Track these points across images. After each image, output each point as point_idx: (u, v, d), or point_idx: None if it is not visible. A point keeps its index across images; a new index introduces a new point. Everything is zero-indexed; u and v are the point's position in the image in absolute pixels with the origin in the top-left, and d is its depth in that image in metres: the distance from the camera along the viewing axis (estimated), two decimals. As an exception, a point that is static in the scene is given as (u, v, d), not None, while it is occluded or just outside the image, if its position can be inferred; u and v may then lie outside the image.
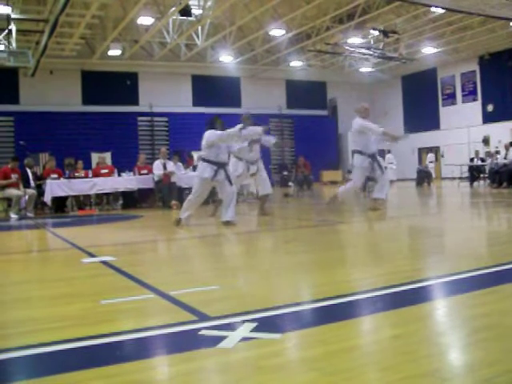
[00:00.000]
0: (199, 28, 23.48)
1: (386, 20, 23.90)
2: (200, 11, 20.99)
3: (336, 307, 3.07)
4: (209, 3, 20.58)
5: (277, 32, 24.32)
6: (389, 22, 23.99)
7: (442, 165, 29.88)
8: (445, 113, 31.00)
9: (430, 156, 26.32)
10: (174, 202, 13.62)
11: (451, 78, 30.90)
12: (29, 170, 14.33)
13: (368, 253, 5.49)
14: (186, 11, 19.53)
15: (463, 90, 30.31)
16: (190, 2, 19.58)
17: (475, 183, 20.42)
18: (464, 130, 29.53)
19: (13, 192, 12.82)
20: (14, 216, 12.48)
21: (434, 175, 25.97)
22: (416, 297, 3.25)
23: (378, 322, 2.79)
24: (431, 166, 24.82)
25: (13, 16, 17.55)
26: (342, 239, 6.87)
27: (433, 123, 31.35)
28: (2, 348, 2.49)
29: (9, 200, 13.10)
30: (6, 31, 17.21)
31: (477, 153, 21.87)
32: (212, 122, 8.34)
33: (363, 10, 22.43)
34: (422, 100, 31.82)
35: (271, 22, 23.03)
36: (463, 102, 30.32)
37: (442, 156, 30.50)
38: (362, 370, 2.11)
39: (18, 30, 18.24)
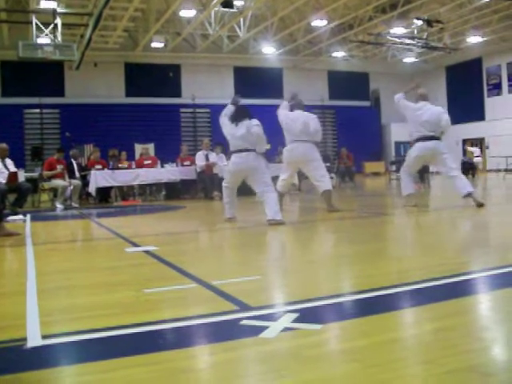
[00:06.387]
0: (241, 20, 23.48)
1: (429, 9, 23.44)
2: (242, 3, 20.96)
3: (378, 299, 3.05)
4: (250, -6, 20.57)
5: (319, 23, 24.11)
6: (433, 11, 23.53)
7: (487, 157, 29.27)
8: (490, 103, 30.29)
9: (476, 150, 25.59)
10: (215, 193, 13.69)
11: (497, 68, 30.14)
12: (74, 161, 14.60)
13: (411, 245, 5.43)
14: (227, 3, 19.56)
15: (509, 80, 29.46)
16: (232, -6, 19.62)
17: (521, 175, 19.95)
18: (510, 120, 28.75)
19: (58, 183, 13.07)
20: (59, 206, 12.73)
21: (480, 167, 25.40)
22: (460, 290, 3.21)
23: (421, 315, 2.76)
24: (477, 160, 24.21)
25: (58, 10, 17.85)
26: (384, 231, 6.81)
27: (477, 114, 30.66)
28: (46, 334, 2.55)
29: (55, 190, 13.37)
30: (52, 25, 17.52)
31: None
32: (245, 111, 7.60)
33: (406, -1, 22.09)
34: (466, 91, 31.09)
35: (313, 13, 22.88)
36: (509, 92, 29.44)
37: (487, 147, 29.87)
38: (403, 362, 2.09)
39: (63, 24, 18.48)
